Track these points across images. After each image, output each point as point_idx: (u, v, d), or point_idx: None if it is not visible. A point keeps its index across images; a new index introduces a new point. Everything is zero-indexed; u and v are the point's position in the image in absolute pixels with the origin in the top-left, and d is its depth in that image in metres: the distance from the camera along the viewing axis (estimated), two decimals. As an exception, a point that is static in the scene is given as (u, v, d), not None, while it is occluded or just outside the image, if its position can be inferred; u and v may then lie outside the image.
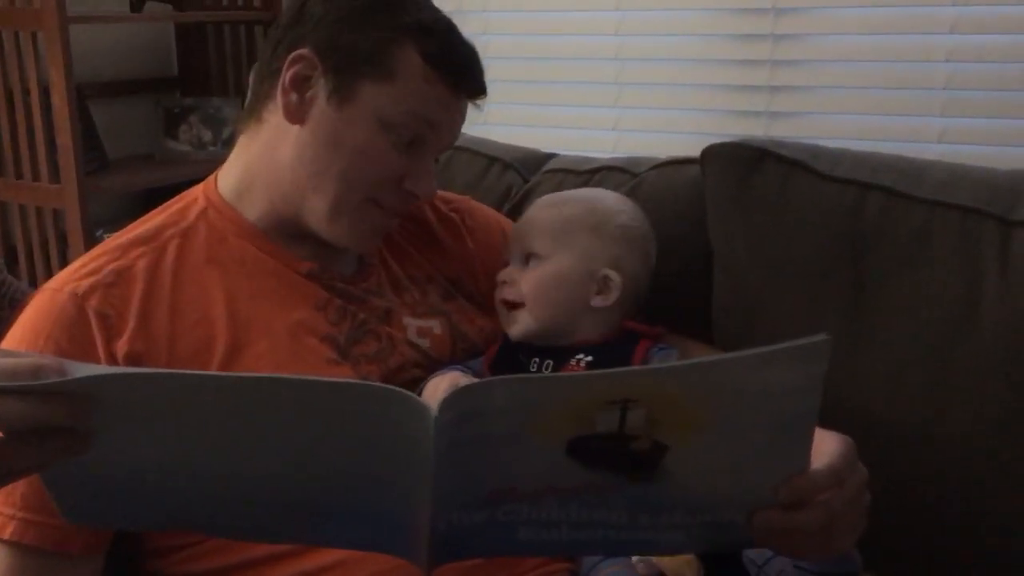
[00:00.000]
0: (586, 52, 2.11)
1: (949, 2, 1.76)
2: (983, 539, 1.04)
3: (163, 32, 2.64)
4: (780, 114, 1.93)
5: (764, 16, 1.91)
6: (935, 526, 1.06)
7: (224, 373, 0.85)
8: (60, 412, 0.55)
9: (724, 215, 1.17)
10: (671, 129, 2.04)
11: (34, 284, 2.00)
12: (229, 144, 1.04)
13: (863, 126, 1.86)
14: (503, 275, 1.05)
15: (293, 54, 0.93)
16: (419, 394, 0.93)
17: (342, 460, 0.61)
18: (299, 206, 0.96)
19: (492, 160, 1.38)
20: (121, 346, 0.87)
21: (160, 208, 1.00)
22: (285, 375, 0.58)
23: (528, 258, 1.04)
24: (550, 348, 1.01)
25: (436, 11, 0.97)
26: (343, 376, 0.91)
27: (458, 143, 1.08)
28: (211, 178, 1.02)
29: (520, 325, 1.02)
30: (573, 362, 0.99)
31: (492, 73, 0.99)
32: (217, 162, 1.04)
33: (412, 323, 1.02)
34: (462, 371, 0.99)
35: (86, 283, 0.89)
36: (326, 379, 0.58)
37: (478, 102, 0.99)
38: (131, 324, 0.88)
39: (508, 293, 1.03)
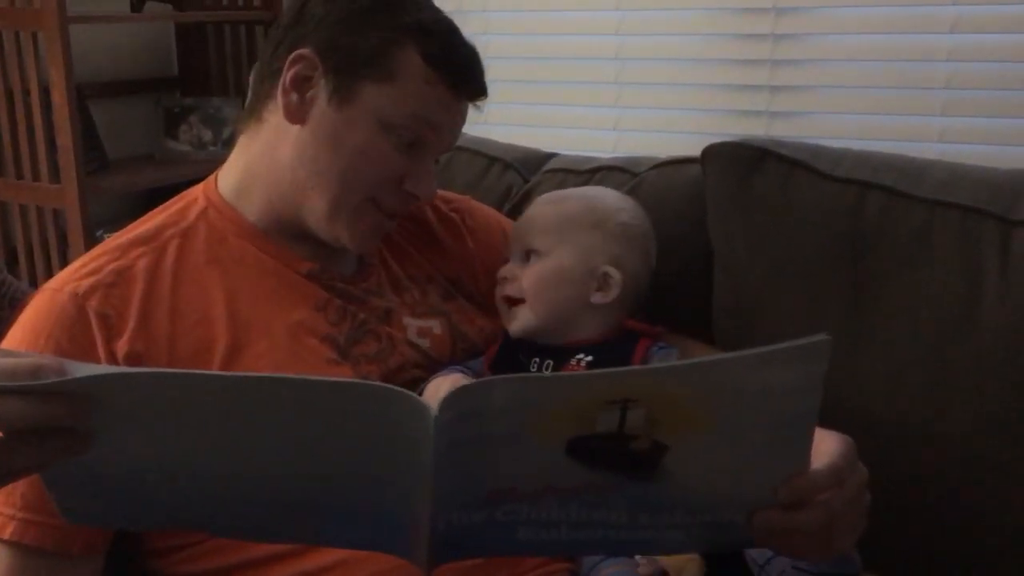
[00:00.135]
0: (586, 52, 2.11)
1: (949, 1, 1.76)
2: (983, 539, 1.04)
3: (163, 32, 2.64)
4: (780, 114, 1.93)
5: (764, 16, 1.91)
6: (935, 526, 1.06)
7: (224, 373, 0.85)
8: (60, 412, 0.55)
9: (724, 215, 1.17)
10: (671, 129, 2.04)
11: (34, 284, 2.00)
12: (229, 144, 1.04)
13: (863, 126, 1.86)
14: (504, 271, 1.05)
15: (294, 54, 0.93)
16: (420, 395, 0.93)
17: (342, 460, 0.61)
18: (299, 206, 0.95)
19: (492, 160, 1.38)
20: (121, 346, 0.87)
21: (160, 208, 1.00)
22: (285, 375, 0.58)
23: (528, 255, 1.04)
24: (550, 348, 1.01)
25: (437, 12, 0.97)
26: (343, 376, 0.91)
27: (458, 143, 1.08)
28: (211, 178, 1.02)
29: (520, 321, 1.02)
30: (573, 362, 0.99)
31: (492, 73, 0.99)
32: (217, 162, 1.04)
33: (412, 323, 1.02)
34: (463, 372, 0.99)
35: (86, 283, 0.89)
36: (326, 379, 0.58)
37: (478, 103, 0.99)
38: (131, 324, 0.88)
39: (509, 289, 1.03)
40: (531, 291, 1.02)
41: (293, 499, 0.65)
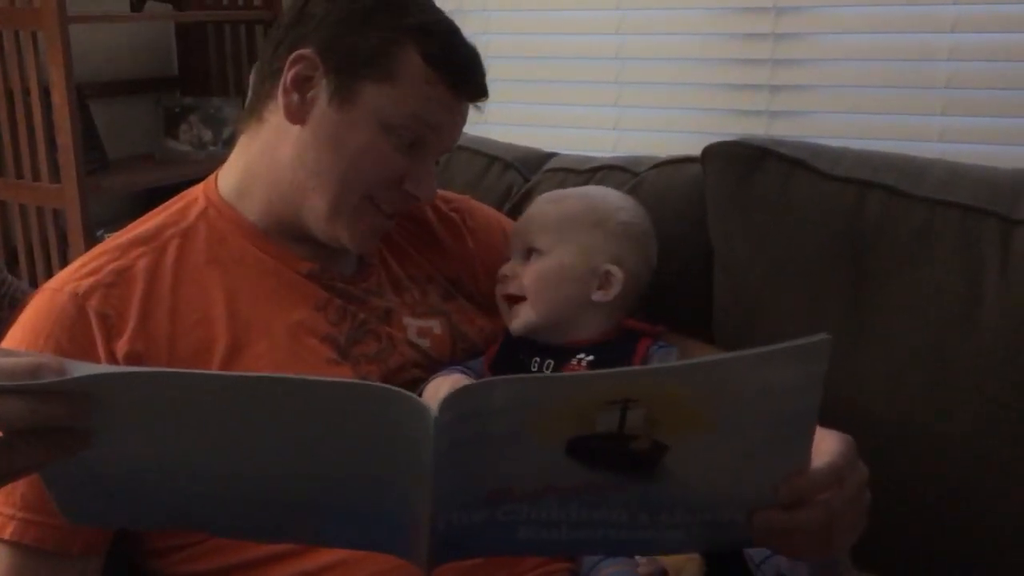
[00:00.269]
0: (586, 51, 2.11)
1: (950, 1, 1.76)
2: (983, 539, 1.04)
3: (163, 32, 2.64)
4: (781, 113, 1.93)
5: (765, 15, 1.91)
6: (935, 526, 1.06)
7: (223, 372, 0.85)
8: (59, 411, 0.55)
9: (724, 214, 1.17)
10: (671, 128, 2.04)
11: (34, 284, 2.00)
12: (229, 144, 1.04)
13: (864, 125, 1.86)
14: (505, 269, 1.05)
15: (294, 54, 0.93)
16: (420, 395, 0.93)
17: (342, 460, 0.61)
18: (299, 206, 0.95)
19: (492, 159, 1.38)
20: (121, 346, 0.87)
21: (160, 208, 1.00)
22: (284, 375, 0.58)
23: (530, 253, 1.04)
24: (551, 347, 1.01)
25: (438, 12, 0.97)
26: (343, 376, 0.91)
27: (458, 142, 1.08)
28: (211, 178, 1.02)
29: (521, 320, 1.02)
30: (574, 361, 0.99)
31: (492, 72, 0.99)
32: (217, 162, 1.04)
33: (412, 323, 1.02)
34: (463, 372, 0.99)
35: (86, 283, 0.89)
36: (326, 379, 0.58)
37: (479, 103, 0.99)
38: (131, 324, 0.88)
39: (510, 287, 1.04)
40: (532, 289, 1.02)
41: (293, 499, 0.65)
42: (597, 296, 1.02)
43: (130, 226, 0.97)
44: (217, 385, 0.60)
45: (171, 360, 0.88)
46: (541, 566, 0.88)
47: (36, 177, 2.08)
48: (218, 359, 0.89)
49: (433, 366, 1.00)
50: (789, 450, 0.63)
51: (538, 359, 1.01)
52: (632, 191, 1.22)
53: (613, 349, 1.00)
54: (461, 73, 0.95)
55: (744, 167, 1.16)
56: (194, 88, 2.60)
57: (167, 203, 1.01)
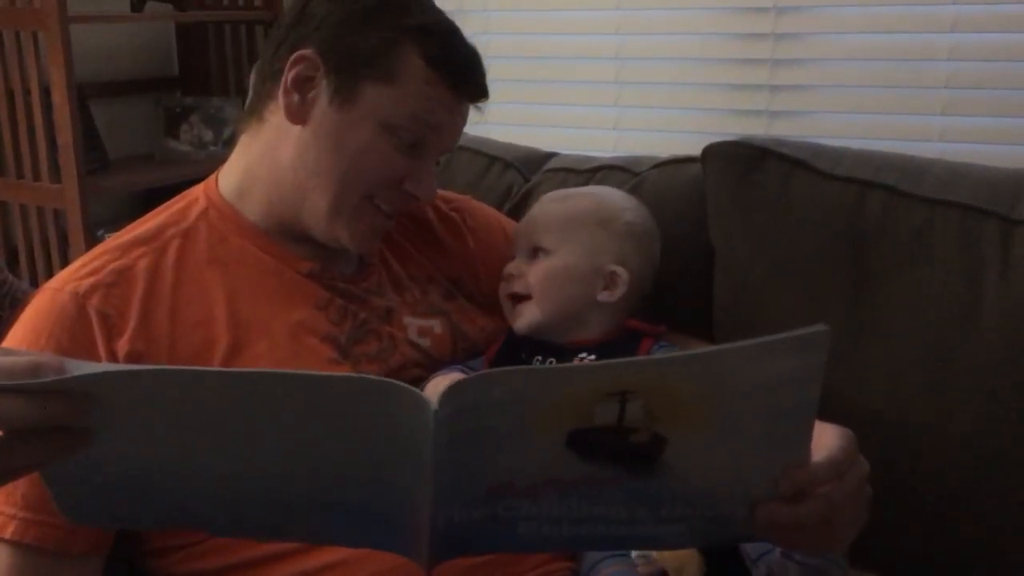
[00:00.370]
0: (587, 51, 2.11)
1: (950, 1, 1.76)
2: (983, 539, 1.04)
3: (164, 32, 2.64)
4: (781, 113, 1.93)
5: (765, 15, 1.91)
6: (935, 525, 1.06)
7: (223, 369, 0.85)
8: (59, 410, 0.55)
9: (725, 214, 1.17)
10: (672, 128, 2.04)
11: (35, 284, 2.00)
12: (230, 144, 1.04)
13: (864, 125, 1.86)
14: (510, 268, 1.06)
15: (295, 54, 0.93)
16: (419, 393, 0.93)
17: (343, 456, 0.61)
18: (299, 206, 0.95)
19: (493, 159, 1.38)
20: (122, 345, 0.87)
21: (161, 208, 1.00)
22: (284, 371, 0.58)
23: (535, 252, 1.04)
24: (553, 347, 1.02)
25: (439, 13, 0.97)
26: (344, 375, 0.91)
27: (459, 142, 1.08)
28: (212, 178, 1.02)
29: (525, 318, 1.02)
30: (576, 361, 0.99)
31: (492, 72, 0.99)
32: (218, 162, 1.04)
33: (413, 322, 1.02)
34: (463, 371, 0.99)
35: (87, 283, 0.89)
36: (326, 374, 0.58)
37: (479, 104, 0.99)
38: (132, 324, 0.88)
39: (515, 286, 1.04)
40: (538, 288, 1.02)
41: (293, 498, 0.65)
42: (602, 296, 1.03)
43: (130, 226, 0.97)
44: (217, 382, 0.60)
45: (171, 360, 0.88)
46: (541, 566, 0.88)
47: (36, 177, 2.08)
48: (219, 359, 0.89)
49: (434, 365, 1.00)
50: (789, 443, 0.63)
51: (540, 358, 1.01)
52: (632, 191, 1.22)
53: (615, 349, 1.00)
54: (461, 73, 0.95)
55: (744, 167, 1.16)
56: (194, 88, 2.60)
57: (167, 203, 1.01)
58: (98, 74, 2.39)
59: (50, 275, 1.87)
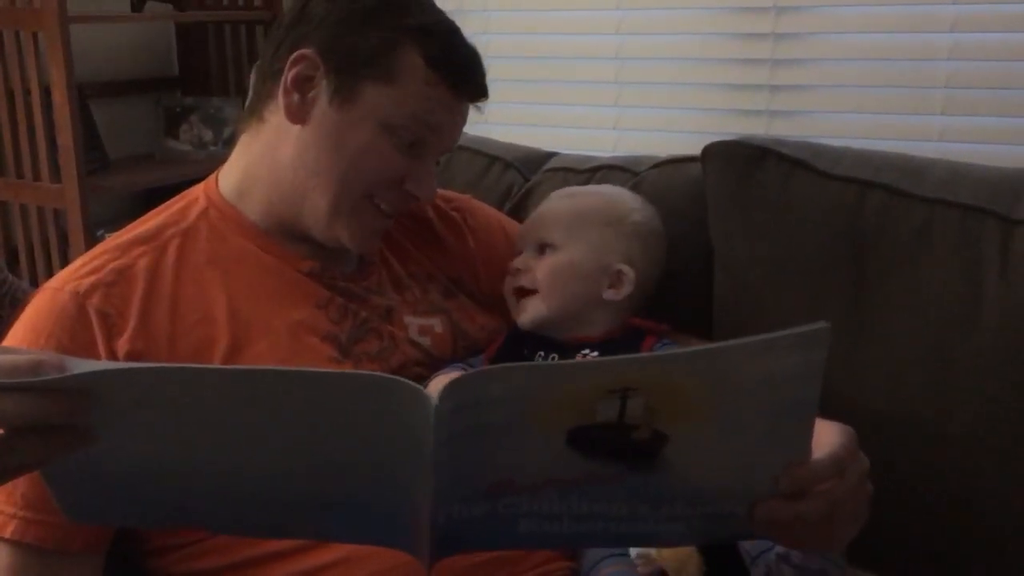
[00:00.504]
0: (586, 51, 2.11)
1: (950, 1, 1.76)
2: (983, 539, 1.04)
3: (164, 32, 2.64)
4: (781, 113, 1.93)
5: (765, 15, 1.91)
6: (935, 525, 1.06)
7: (223, 367, 0.85)
8: (59, 408, 0.55)
9: (725, 214, 1.17)
10: (671, 128, 2.04)
11: (35, 284, 2.00)
12: (230, 144, 1.04)
13: (864, 125, 1.86)
14: (517, 263, 1.06)
15: (295, 54, 0.93)
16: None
17: (343, 453, 0.61)
18: (299, 206, 0.96)
19: (493, 159, 1.38)
20: (122, 345, 0.87)
21: (161, 207, 1.00)
22: (285, 368, 0.58)
23: (542, 248, 1.05)
24: (555, 343, 1.02)
25: (439, 13, 0.97)
26: (344, 375, 0.91)
27: (459, 142, 1.08)
28: (212, 177, 1.02)
29: (530, 313, 1.03)
30: (579, 358, 0.99)
31: (492, 72, 0.99)
32: (217, 162, 1.04)
33: (413, 321, 1.02)
34: (464, 369, 0.99)
35: (87, 282, 0.89)
36: (326, 371, 0.58)
37: (479, 104, 0.99)
38: (132, 323, 0.88)
39: (522, 280, 1.04)
40: (545, 283, 1.02)
41: (294, 495, 0.65)
42: (608, 295, 1.03)
43: (130, 226, 0.97)
44: (217, 379, 0.60)
45: (171, 359, 0.88)
46: (541, 565, 0.88)
47: (37, 177, 2.08)
48: (219, 358, 0.89)
49: (434, 364, 1.00)
50: (789, 440, 0.63)
51: (542, 354, 1.01)
52: (632, 191, 1.22)
53: (618, 346, 1.00)
54: (461, 73, 0.95)
55: (744, 167, 1.16)
56: (194, 88, 2.60)
57: (168, 203, 1.01)
58: (98, 74, 2.39)
59: (50, 275, 1.87)
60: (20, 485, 0.82)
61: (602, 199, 1.10)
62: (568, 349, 1.00)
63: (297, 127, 0.94)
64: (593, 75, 2.10)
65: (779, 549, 0.79)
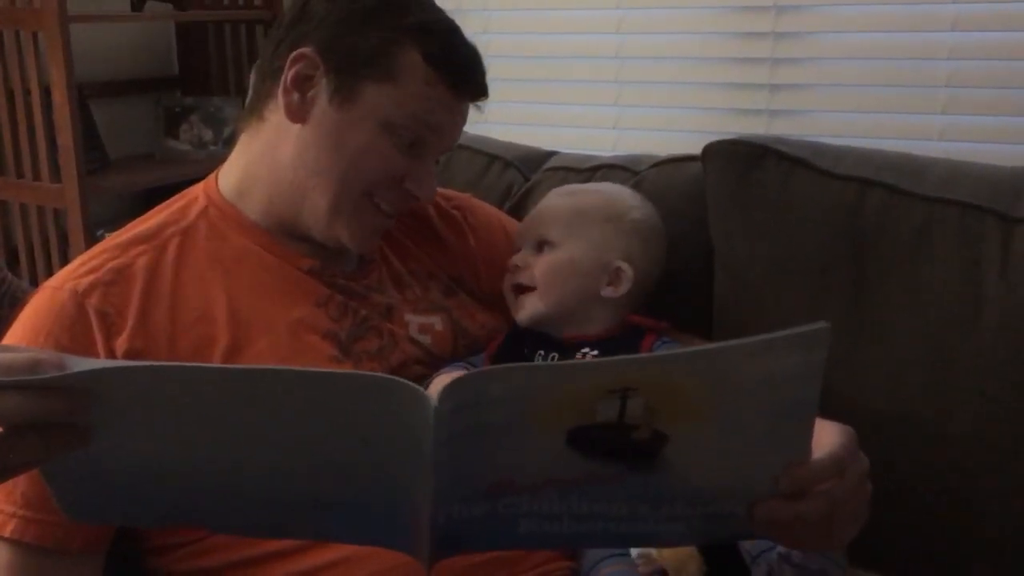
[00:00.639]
0: (587, 50, 2.11)
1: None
2: (983, 539, 1.04)
3: (164, 31, 2.64)
4: (781, 112, 1.93)
5: (765, 14, 1.91)
6: (935, 524, 1.06)
7: (223, 366, 0.85)
8: (58, 407, 0.55)
9: (725, 213, 1.17)
10: (672, 127, 2.04)
11: (35, 283, 2.00)
12: (230, 143, 1.04)
13: (864, 124, 1.86)
14: (516, 259, 1.06)
15: (295, 53, 0.93)
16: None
17: (343, 452, 0.61)
18: (299, 206, 0.96)
19: (492, 158, 1.38)
20: (121, 344, 0.87)
21: (160, 207, 1.00)
22: (285, 367, 0.58)
23: (542, 245, 1.05)
24: (555, 341, 1.02)
25: (438, 12, 0.97)
26: (344, 374, 0.91)
27: (459, 141, 1.08)
28: (212, 177, 1.02)
29: (528, 310, 1.03)
30: (578, 356, 0.99)
31: (492, 72, 0.99)
32: (217, 161, 1.04)
33: (413, 319, 1.02)
34: (465, 367, 0.99)
35: (86, 281, 0.89)
36: (327, 370, 0.58)
37: (479, 103, 0.99)
38: (131, 322, 0.88)
39: (521, 277, 1.04)
40: (543, 280, 1.02)
41: (294, 495, 0.65)
42: (607, 292, 1.03)
43: (130, 225, 0.97)
44: (217, 378, 0.60)
45: (171, 358, 0.88)
46: (541, 565, 0.88)
47: (37, 177, 2.08)
48: (219, 357, 0.89)
49: (435, 362, 1.00)
50: (790, 440, 0.63)
51: (542, 352, 1.01)
52: (632, 190, 1.22)
53: (618, 344, 1.00)
54: (461, 73, 0.95)
55: (744, 166, 1.16)
56: (194, 88, 2.60)
57: (167, 202, 1.01)
58: (98, 74, 2.39)
59: (50, 275, 1.86)
60: (20, 484, 0.82)
61: (601, 196, 1.10)
62: (568, 347, 1.01)
63: (297, 126, 0.94)
64: (593, 74, 2.10)
65: (780, 549, 0.79)
